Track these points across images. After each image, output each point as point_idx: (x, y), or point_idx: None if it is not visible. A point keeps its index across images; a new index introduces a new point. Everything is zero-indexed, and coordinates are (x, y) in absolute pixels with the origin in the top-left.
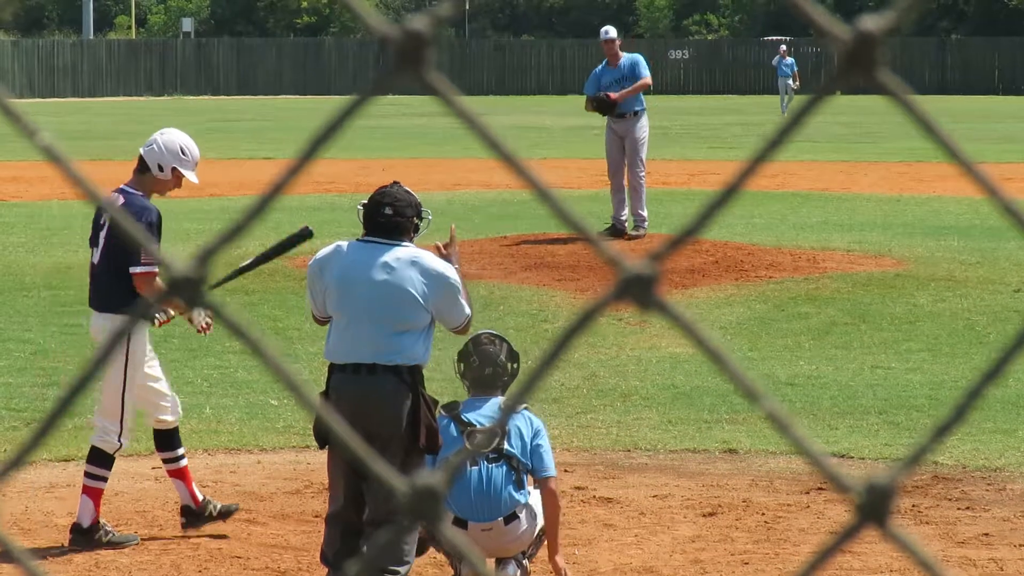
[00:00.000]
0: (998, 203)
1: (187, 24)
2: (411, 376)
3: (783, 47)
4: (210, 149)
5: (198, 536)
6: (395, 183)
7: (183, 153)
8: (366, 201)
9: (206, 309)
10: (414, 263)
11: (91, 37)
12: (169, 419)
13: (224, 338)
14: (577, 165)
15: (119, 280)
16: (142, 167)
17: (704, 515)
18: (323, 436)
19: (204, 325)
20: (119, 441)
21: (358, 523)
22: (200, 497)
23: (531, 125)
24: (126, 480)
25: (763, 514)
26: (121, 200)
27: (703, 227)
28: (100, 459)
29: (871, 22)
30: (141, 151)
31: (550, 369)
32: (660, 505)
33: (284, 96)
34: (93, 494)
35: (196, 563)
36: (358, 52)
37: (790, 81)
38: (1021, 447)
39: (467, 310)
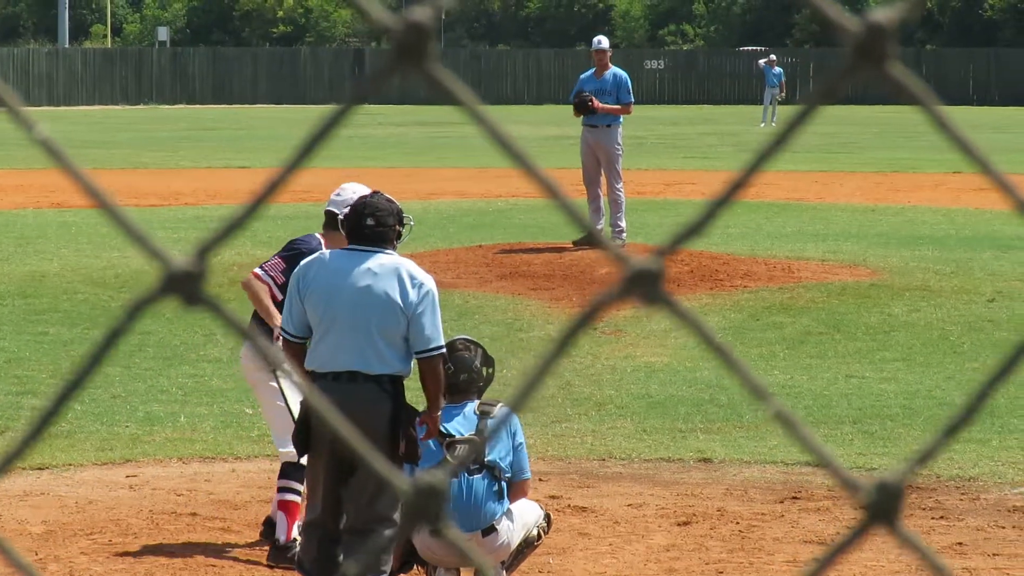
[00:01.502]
0: (1012, 197)
1: (163, 33)
2: (392, 386)
3: (772, 56)
4: (185, 158)
5: (172, 544)
6: (376, 192)
7: None
8: (347, 210)
9: (205, 306)
10: (397, 269)
11: (67, 46)
12: (291, 450)
13: (199, 346)
14: (555, 175)
15: None
16: (334, 225)
17: (678, 524)
18: (303, 443)
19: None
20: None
21: (336, 531)
22: (294, 536)
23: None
24: (100, 488)
25: (737, 523)
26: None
27: (708, 224)
28: (288, 472)
29: (880, 14)
30: (336, 212)
31: (548, 371)
32: (634, 514)
33: (259, 105)
34: (285, 507)
35: (170, 571)
36: (333, 62)
37: (776, 91)
38: (995, 456)
39: (442, 338)
